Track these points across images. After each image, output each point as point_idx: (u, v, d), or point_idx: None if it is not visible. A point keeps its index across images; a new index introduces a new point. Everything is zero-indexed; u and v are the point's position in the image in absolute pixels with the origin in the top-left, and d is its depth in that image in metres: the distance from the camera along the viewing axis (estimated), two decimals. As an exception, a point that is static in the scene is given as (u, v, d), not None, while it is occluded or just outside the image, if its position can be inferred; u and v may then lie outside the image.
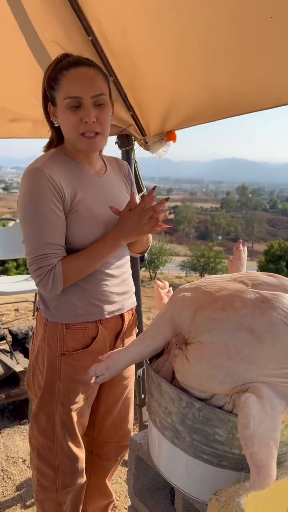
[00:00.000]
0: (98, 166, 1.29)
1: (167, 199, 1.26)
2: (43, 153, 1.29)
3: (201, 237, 77.65)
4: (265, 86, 1.29)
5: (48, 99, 1.20)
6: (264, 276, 0.90)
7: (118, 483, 1.91)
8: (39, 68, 1.51)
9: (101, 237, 1.19)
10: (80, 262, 1.16)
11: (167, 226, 1.22)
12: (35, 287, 3.78)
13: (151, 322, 0.99)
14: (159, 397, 0.92)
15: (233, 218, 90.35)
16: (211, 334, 0.83)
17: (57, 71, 1.15)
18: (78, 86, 1.13)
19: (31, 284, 3.77)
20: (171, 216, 1.36)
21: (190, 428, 0.85)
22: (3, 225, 4.03)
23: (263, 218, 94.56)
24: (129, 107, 1.69)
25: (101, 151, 1.33)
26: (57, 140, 1.27)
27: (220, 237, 78.05)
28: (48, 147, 1.29)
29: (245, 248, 1.31)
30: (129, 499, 1.77)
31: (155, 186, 1.24)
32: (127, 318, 1.34)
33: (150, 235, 1.39)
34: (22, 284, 3.80)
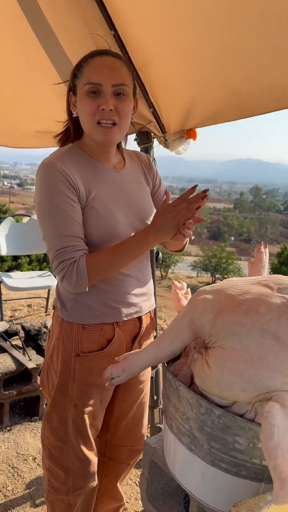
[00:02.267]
0: (116, 161, 1.26)
1: (205, 195, 1.08)
2: (57, 144, 1.28)
3: (213, 237, 77.28)
4: (286, 84, 1.25)
5: (71, 89, 1.18)
6: (290, 281, 0.87)
7: (128, 485, 1.89)
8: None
9: (132, 235, 1.15)
10: (107, 257, 1.11)
11: (201, 218, 1.11)
12: (49, 284, 3.80)
13: (170, 324, 0.96)
14: (176, 402, 0.90)
15: (246, 219, 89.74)
16: (234, 340, 0.80)
17: (83, 60, 1.14)
18: (99, 73, 1.10)
19: (45, 280, 3.79)
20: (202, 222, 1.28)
21: (209, 435, 0.83)
22: (17, 221, 4.04)
23: (277, 220, 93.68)
24: (150, 104, 1.67)
25: (120, 146, 1.29)
26: (74, 134, 1.24)
27: (232, 238, 77.61)
28: (65, 141, 1.27)
29: (267, 250, 1.27)
30: (139, 502, 1.75)
31: (196, 185, 1.13)
32: (145, 321, 1.30)
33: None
34: (36, 280, 3.81)
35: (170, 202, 1.13)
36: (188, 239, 1.27)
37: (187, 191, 1.10)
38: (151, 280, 1.35)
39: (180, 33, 1.34)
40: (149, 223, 1.20)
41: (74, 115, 1.19)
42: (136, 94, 1.21)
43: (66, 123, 1.27)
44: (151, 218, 1.22)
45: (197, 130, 1.70)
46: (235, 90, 1.39)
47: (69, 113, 1.21)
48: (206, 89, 1.48)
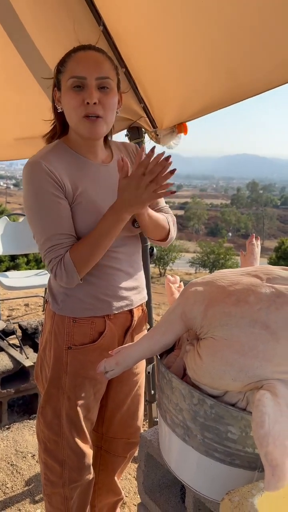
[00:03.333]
0: (104, 155, 1.26)
1: (167, 159, 1.04)
2: (45, 142, 1.28)
3: (211, 233, 77.32)
4: (280, 62, 1.25)
5: (55, 85, 1.18)
6: (280, 270, 0.87)
7: (127, 479, 1.90)
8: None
9: (103, 216, 1.12)
10: (87, 246, 1.11)
11: (172, 191, 1.08)
12: (45, 282, 3.80)
13: (162, 317, 0.97)
14: (170, 394, 0.90)
15: (244, 214, 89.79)
16: (224, 330, 0.80)
17: (66, 55, 1.15)
18: (83, 66, 1.11)
19: (41, 279, 3.79)
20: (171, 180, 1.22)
21: (202, 425, 0.83)
22: (14, 220, 4.04)
23: (274, 215, 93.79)
24: (140, 99, 1.67)
25: (107, 139, 1.29)
26: (60, 130, 1.25)
27: (230, 234, 77.66)
28: (52, 137, 1.27)
29: (258, 242, 1.28)
30: (138, 496, 1.76)
31: (154, 147, 1.05)
32: (137, 314, 1.31)
33: (165, 220, 1.29)
34: (32, 279, 3.81)
35: (131, 172, 1.07)
36: (171, 235, 1.30)
37: (147, 154, 1.04)
38: (142, 274, 1.36)
39: (169, 25, 1.34)
40: (138, 219, 1.21)
41: (59, 111, 1.20)
42: (120, 88, 1.21)
43: (53, 121, 1.27)
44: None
45: (194, 126, 1.71)
46: (229, 73, 1.38)
47: (54, 108, 1.22)
48: (200, 79, 1.47)
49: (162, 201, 1.36)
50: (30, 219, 1.14)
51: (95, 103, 1.10)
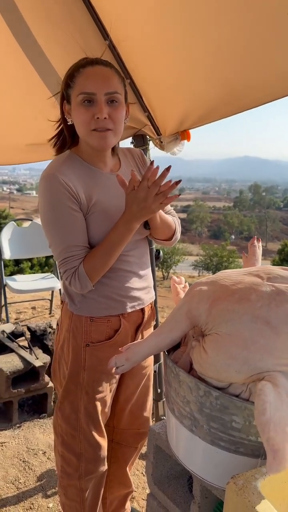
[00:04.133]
0: (112, 163, 1.32)
1: (168, 169, 1.12)
2: (54, 150, 1.33)
3: (214, 236, 77.19)
4: (281, 74, 1.29)
5: (64, 98, 1.23)
6: (279, 270, 0.93)
7: (135, 475, 1.96)
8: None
9: (113, 226, 1.19)
10: (99, 256, 1.18)
11: (176, 195, 1.16)
12: (52, 285, 3.86)
13: (169, 315, 1.02)
14: (177, 387, 0.96)
15: (246, 217, 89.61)
16: (228, 326, 0.86)
17: (74, 69, 1.19)
18: (92, 82, 1.15)
19: (48, 282, 3.85)
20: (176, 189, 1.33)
21: (208, 416, 0.88)
22: (18, 225, 4.11)
23: (277, 217, 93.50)
24: (144, 108, 1.73)
25: (114, 147, 1.34)
26: (70, 141, 1.30)
27: (233, 236, 77.49)
28: (62, 148, 1.32)
29: (260, 244, 1.33)
30: (146, 491, 1.81)
31: (153, 160, 1.16)
32: (147, 311, 1.39)
33: (173, 221, 1.37)
34: (39, 282, 3.88)
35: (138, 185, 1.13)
36: (176, 235, 1.38)
37: (148, 168, 1.12)
38: (151, 275, 1.44)
39: (170, 38, 1.40)
40: (145, 222, 1.29)
41: (69, 123, 1.25)
42: (127, 100, 1.26)
43: (58, 124, 1.31)
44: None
45: (195, 129, 1.76)
46: (228, 87, 1.43)
47: (64, 120, 1.27)
48: (199, 90, 1.53)
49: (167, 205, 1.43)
50: (47, 230, 1.20)
51: (105, 118, 1.16)
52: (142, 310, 1.36)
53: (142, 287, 1.35)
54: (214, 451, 0.92)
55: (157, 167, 1.11)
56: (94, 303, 1.26)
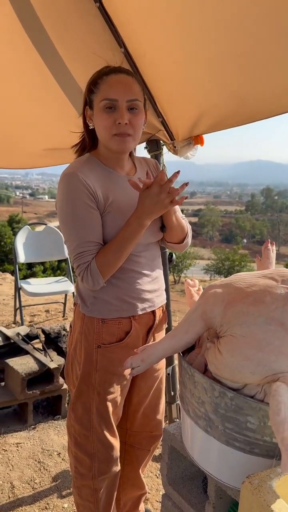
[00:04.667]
0: (128, 167, 1.37)
1: (177, 173, 1.23)
2: (74, 154, 1.39)
3: (226, 240, 76.80)
4: None
5: (87, 103, 1.28)
6: (293, 273, 0.94)
7: (149, 477, 1.97)
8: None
9: (125, 222, 1.23)
10: (111, 252, 1.22)
11: (185, 196, 1.25)
12: (65, 289, 3.91)
13: (183, 318, 1.04)
14: (192, 388, 0.97)
15: (258, 220, 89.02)
16: (243, 328, 0.87)
17: (98, 76, 1.25)
18: (115, 90, 1.21)
19: (61, 286, 3.89)
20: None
21: (223, 416, 0.90)
22: (32, 229, 4.17)
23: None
24: (158, 114, 1.76)
25: (131, 153, 1.39)
26: (90, 144, 1.35)
27: (245, 240, 77.02)
28: (82, 150, 1.37)
29: (274, 247, 1.34)
30: (160, 493, 1.83)
31: (162, 169, 1.31)
32: (158, 314, 1.41)
33: (184, 224, 1.41)
34: (53, 285, 3.92)
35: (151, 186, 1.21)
36: (187, 239, 1.42)
37: (160, 172, 1.22)
38: (162, 277, 1.45)
39: (184, 47, 1.43)
40: (159, 220, 1.34)
41: (91, 127, 1.30)
42: (146, 106, 1.31)
43: (82, 134, 1.37)
44: (161, 220, 1.35)
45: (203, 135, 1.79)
46: (241, 96, 1.46)
47: (86, 125, 1.32)
48: (213, 97, 1.55)
49: (178, 210, 1.46)
50: (64, 226, 1.24)
51: (126, 123, 1.21)
52: (153, 312, 1.38)
53: (153, 289, 1.37)
54: (229, 452, 0.93)
55: (162, 174, 1.21)
56: (105, 304, 1.29)
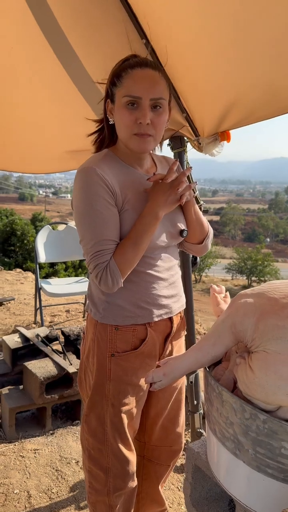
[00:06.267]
0: (148, 165, 1.30)
1: (189, 168, 1.34)
2: (92, 147, 1.33)
3: (248, 239, 75.96)
4: None
5: (108, 96, 1.21)
6: None
7: (170, 489, 1.89)
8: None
9: (139, 217, 1.18)
10: (129, 248, 1.15)
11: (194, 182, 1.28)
12: (86, 289, 3.88)
13: (211, 329, 0.96)
14: (219, 407, 0.89)
15: (282, 219, 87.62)
16: (278, 343, 0.79)
17: (122, 69, 1.17)
18: (139, 86, 1.13)
19: (82, 286, 3.86)
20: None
21: (254, 440, 0.82)
22: (53, 229, 4.16)
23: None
24: (183, 109, 1.67)
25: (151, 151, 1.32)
26: (109, 139, 1.28)
27: (268, 239, 75.96)
28: (100, 145, 1.31)
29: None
30: (182, 507, 1.75)
31: (176, 160, 1.32)
32: (176, 321, 1.33)
33: (205, 222, 1.36)
34: (73, 286, 3.89)
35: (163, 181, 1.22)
36: (208, 240, 1.38)
37: (170, 168, 1.23)
38: (181, 282, 1.37)
39: (210, 38, 1.34)
40: (180, 224, 1.28)
41: (111, 122, 1.23)
42: (171, 104, 1.24)
43: (99, 124, 1.31)
44: (181, 219, 1.30)
45: (230, 131, 1.69)
46: (273, 87, 1.37)
47: (106, 119, 1.25)
48: (242, 90, 1.47)
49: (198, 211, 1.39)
50: (81, 223, 1.16)
51: (148, 124, 1.14)
52: (171, 319, 1.30)
53: (171, 294, 1.29)
54: (260, 478, 0.85)
55: (173, 166, 1.24)
56: (119, 310, 1.21)
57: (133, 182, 1.22)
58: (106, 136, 1.28)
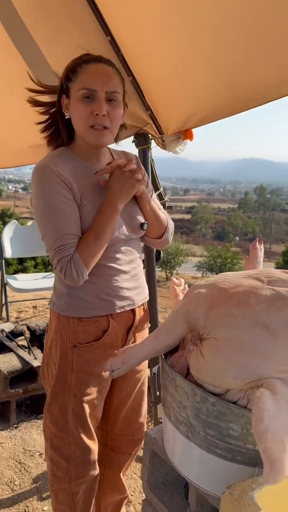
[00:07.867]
0: (106, 160, 1.32)
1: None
2: (49, 147, 1.33)
3: (218, 237, 77.11)
4: (285, 72, 1.28)
5: (63, 91, 1.23)
6: (280, 273, 0.90)
7: (132, 478, 1.93)
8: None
9: (98, 211, 1.21)
10: (92, 241, 1.17)
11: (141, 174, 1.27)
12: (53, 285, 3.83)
13: (167, 318, 1.00)
14: (173, 392, 0.93)
15: (251, 218, 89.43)
16: (226, 330, 0.83)
17: (77, 64, 1.20)
18: (95, 79, 1.16)
19: (49, 282, 3.84)
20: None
21: (204, 422, 0.86)
22: (22, 224, 4.11)
23: (281, 219, 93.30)
24: (147, 107, 1.71)
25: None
26: (66, 136, 1.29)
27: (237, 238, 77.35)
28: (52, 140, 1.32)
29: (262, 247, 1.31)
30: (143, 495, 1.79)
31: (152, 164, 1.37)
32: (139, 312, 1.36)
33: (163, 217, 1.39)
34: (40, 281, 3.87)
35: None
36: (167, 234, 1.41)
37: (128, 162, 1.23)
38: (143, 274, 1.40)
39: (173, 36, 1.37)
40: (139, 217, 1.31)
41: (67, 117, 1.25)
42: (125, 100, 1.27)
43: (46, 110, 1.31)
44: (139, 212, 1.32)
45: (201, 130, 1.75)
46: (235, 85, 1.41)
47: (61, 115, 1.26)
48: (206, 89, 1.51)
49: (158, 205, 1.43)
50: (41, 220, 1.18)
51: (103, 115, 1.17)
52: (133, 311, 1.33)
53: (133, 287, 1.32)
54: (210, 459, 0.89)
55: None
56: (81, 302, 1.24)
57: (91, 177, 1.24)
58: (61, 132, 1.29)
